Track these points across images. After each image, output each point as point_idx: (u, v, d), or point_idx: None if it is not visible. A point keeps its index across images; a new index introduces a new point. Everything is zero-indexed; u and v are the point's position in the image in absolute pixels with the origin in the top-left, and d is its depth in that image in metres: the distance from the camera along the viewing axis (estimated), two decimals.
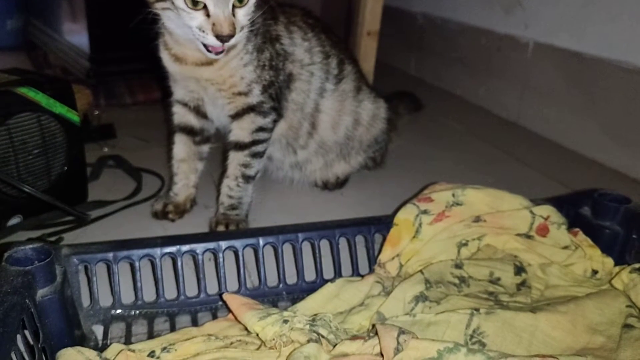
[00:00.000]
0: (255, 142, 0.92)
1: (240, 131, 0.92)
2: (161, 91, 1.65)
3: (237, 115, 0.91)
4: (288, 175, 1.11)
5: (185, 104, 0.95)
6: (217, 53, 0.78)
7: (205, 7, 0.73)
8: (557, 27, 1.39)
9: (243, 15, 0.76)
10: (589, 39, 1.30)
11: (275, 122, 0.94)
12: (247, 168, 0.92)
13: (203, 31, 0.74)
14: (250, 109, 0.90)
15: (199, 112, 0.95)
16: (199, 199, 1.01)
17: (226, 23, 0.73)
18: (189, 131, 0.97)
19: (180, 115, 0.96)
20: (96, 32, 1.61)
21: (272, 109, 0.92)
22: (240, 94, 0.89)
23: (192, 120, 0.96)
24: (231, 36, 0.74)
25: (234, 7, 0.74)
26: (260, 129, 0.91)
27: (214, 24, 0.73)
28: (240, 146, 0.92)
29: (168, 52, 0.87)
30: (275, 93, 0.92)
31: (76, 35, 1.74)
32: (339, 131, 1.05)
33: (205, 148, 1.00)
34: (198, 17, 0.74)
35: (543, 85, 1.46)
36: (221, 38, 0.74)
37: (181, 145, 0.97)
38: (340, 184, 1.12)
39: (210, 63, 0.84)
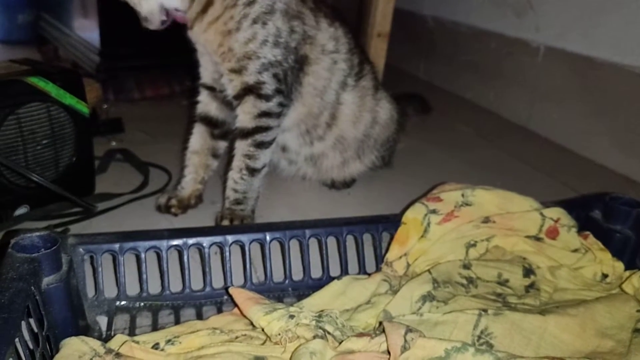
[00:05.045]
0: (258, 129, 0.89)
1: (244, 115, 0.89)
2: (169, 87, 1.65)
3: (238, 97, 0.88)
4: (302, 170, 1.08)
5: (209, 88, 0.95)
6: None
7: None
8: (569, 31, 1.38)
9: None
10: (601, 44, 1.29)
11: (282, 106, 0.90)
12: (251, 160, 0.90)
13: None
14: (248, 89, 0.87)
15: (223, 99, 0.94)
16: (206, 194, 1.01)
17: None
18: (209, 122, 0.97)
19: (204, 103, 0.96)
20: (107, 27, 1.62)
21: (276, 92, 0.87)
22: (232, 70, 0.86)
23: (214, 110, 0.96)
24: None
25: None
26: (264, 114, 0.88)
27: None
28: (244, 133, 0.90)
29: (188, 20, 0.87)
30: (283, 74, 0.88)
31: (87, 30, 1.74)
32: (359, 127, 1.04)
33: (222, 144, 0.99)
34: None
35: (553, 89, 1.45)
36: None
37: (198, 136, 0.97)
38: (349, 183, 1.11)
39: (195, 19, 0.85)
